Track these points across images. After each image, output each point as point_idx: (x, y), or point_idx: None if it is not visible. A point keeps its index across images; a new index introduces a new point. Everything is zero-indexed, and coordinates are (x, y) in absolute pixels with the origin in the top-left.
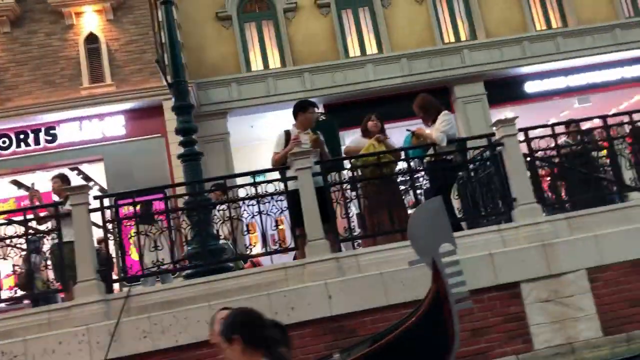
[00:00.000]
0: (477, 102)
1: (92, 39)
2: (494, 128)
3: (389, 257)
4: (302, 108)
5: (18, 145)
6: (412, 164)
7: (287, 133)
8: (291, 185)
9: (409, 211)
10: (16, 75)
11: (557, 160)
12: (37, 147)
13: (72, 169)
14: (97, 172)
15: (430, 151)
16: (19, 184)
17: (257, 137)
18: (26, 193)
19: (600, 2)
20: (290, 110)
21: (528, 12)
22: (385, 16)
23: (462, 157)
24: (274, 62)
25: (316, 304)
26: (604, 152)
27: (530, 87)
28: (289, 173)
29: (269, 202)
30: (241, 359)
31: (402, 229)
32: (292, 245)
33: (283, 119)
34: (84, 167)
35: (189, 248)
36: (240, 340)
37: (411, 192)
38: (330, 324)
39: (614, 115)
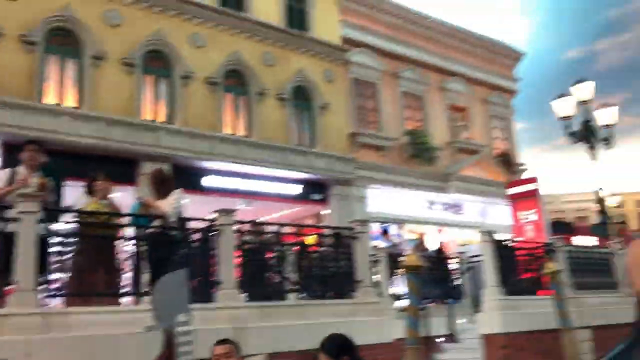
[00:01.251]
0: None
1: None
2: (216, 215)
3: (100, 320)
4: (24, 145)
5: None
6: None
7: (13, 172)
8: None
9: (125, 276)
10: None
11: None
12: None
13: None
14: None
15: (156, 222)
16: None
17: None
18: None
19: (278, 126)
20: None
21: (221, 115)
22: (93, 74)
23: (183, 234)
24: None
25: None
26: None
27: (208, 181)
28: (10, 214)
29: None
30: None
31: (114, 294)
32: None
33: None
34: None
35: None
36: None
37: (132, 259)
38: None
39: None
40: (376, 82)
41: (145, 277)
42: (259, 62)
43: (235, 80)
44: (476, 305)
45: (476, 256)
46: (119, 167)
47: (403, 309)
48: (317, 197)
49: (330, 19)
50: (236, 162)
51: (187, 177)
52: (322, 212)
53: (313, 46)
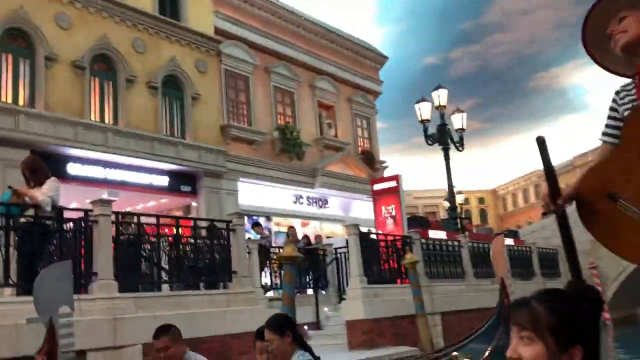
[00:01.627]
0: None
1: None
2: (93, 205)
3: None
4: None
5: None
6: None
7: None
8: None
9: None
10: None
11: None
12: None
13: None
14: None
15: (30, 212)
16: None
17: None
18: None
19: (148, 115)
20: None
21: (87, 101)
22: None
23: (58, 224)
24: None
25: None
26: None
27: (72, 169)
28: None
29: None
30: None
31: None
32: None
33: None
34: None
35: None
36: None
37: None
38: None
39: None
40: (249, 76)
41: (16, 268)
42: (129, 48)
43: (103, 65)
44: (340, 293)
45: (341, 247)
46: None
47: (273, 299)
48: (186, 189)
49: (204, 9)
50: (102, 151)
51: (49, 164)
52: (192, 204)
53: (185, 35)
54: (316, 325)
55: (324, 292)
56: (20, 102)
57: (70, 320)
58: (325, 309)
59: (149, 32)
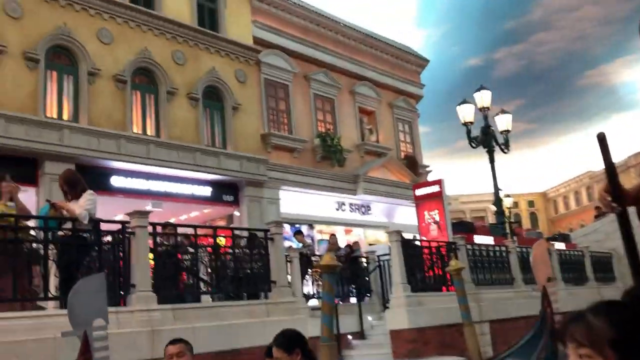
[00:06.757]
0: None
1: None
2: (129, 217)
3: (8, 326)
4: None
5: None
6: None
7: None
8: None
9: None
10: None
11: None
12: None
13: None
14: None
15: (67, 225)
16: None
17: None
18: None
19: (189, 126)
20: None
21: (129, 114)
22: None
23: (96, 236)
24: None
25: None
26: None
27: (116, 181)
28: None
29: None
30: None
31: (23, 299)
32: None
33: None
34: None
35: None
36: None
37: (42, 263)
38: None
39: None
40: (288, 84)
41: (56, 281)
42: (170, 61)
43: (144, 78)
44: (384, 302)
45: (384, 255)
46: (18, 166)
47: (315, 308)
48: (228, 198)
49: (242, 19)
50: (145, 163)
51: (93, 177)
52: (234, 214)
53: (225, 46)
54: (360, 334)
55: (367, 300)
56: (65, 117)
57: (105, 334)
58: (369, 318)
59: (189, 43)
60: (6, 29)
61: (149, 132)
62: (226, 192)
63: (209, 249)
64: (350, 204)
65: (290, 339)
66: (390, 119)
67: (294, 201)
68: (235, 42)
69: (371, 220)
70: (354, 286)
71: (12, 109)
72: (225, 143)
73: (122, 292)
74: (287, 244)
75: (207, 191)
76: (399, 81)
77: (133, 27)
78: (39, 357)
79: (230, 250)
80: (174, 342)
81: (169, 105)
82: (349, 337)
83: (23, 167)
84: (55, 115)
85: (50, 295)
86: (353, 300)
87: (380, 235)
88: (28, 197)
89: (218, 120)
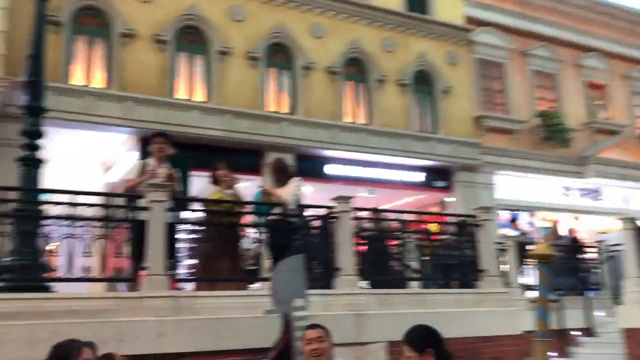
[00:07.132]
0: None
1: None
2: (334, 202)
3: (225, 304)
4: (152, 137)
5: None
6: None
7: (144, 163)
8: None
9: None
10: None
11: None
12: None
13: None
14: None
15: (277, 210)
16: None
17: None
18: None
19: (399, 112)
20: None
21: (341, 104)
22: (219, 69)
23: (302, 221)
24: (98, 81)
25: (146, 339)
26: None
27: (330, 169)
28: (141, 203)
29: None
30: None
31: (238, 279)
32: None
33: (97, 140)
34: None
35: (10, 259)
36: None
37: (254, 245)
38: None
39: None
40: (503, 62)
41: (267, 263)
42: (379, 49)
43: (354, 68)
44: (616, 297)
45: (617, 245)
46: (244, 158)
47: (533, 300)
48: (440, 184)
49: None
50: (356, 151)
51: (310, 166)
52: (447, 200)
53: (434, 28)
54: (588, 331)
55: (596, 294)
56: (283, 110)
57: (305, 314)
58: (599, 314)
59: (398, 30)
60: (231, 32)
61: (360, 121)
62: (438, 177)
63: (417, 235)
64: (578, 189)
65: (423, 337)
66: (624, 93)
67: (511, 186)
68: (445, 23)
69: (603, 206)
70: (579, 278)
71: (238, 105)
72: (436, 128)
73: (328, 276)
74: (502, 231)
75: (418, 177)
76: (635, 49)
77: (343, 19)
78: (250, 333)
79: (438, 237)
80: (312, 326)
81: (379, 93)
82: (576, 333)
83: (249, 158)
84: (275, 109)
85: (262, 277)
86: (583, 294)
87: (614, 222)
88: (253, 186)
89: (428, 104)
